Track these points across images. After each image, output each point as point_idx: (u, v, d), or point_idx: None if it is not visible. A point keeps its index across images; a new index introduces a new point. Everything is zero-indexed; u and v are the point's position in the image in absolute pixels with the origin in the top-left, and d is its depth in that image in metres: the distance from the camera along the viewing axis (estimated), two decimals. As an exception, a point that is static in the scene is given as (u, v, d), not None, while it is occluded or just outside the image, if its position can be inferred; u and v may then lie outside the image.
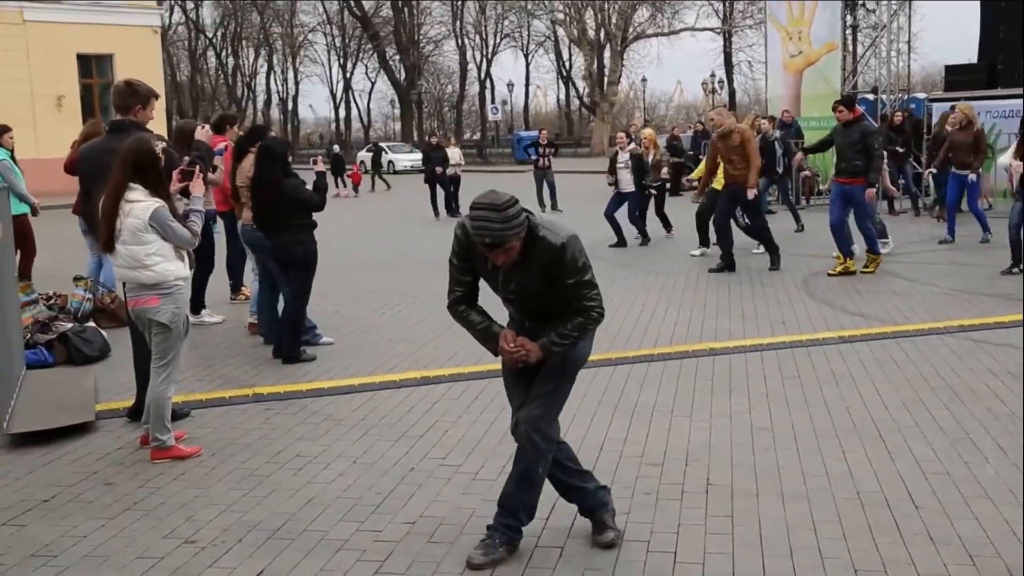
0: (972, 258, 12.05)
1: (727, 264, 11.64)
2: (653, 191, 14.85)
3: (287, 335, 7.65)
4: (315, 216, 7.69)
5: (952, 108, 14.71)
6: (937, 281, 10.41)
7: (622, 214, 14.59)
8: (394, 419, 6.12)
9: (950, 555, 3.98)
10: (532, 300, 4.02)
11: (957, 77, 21.75)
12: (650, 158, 14.64)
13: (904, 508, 4.46)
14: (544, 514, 4.41)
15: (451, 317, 4.22)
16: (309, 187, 7.66)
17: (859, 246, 11.35)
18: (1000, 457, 5.09)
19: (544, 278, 3.88)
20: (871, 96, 23.15)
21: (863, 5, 23.95)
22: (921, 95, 26.17)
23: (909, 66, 23.42)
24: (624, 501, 4.65)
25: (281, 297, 8.02)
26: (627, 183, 14.45)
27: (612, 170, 14.70)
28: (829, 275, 11.00)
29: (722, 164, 11.78)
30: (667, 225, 15.56)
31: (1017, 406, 5.96)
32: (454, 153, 21.38)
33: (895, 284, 10.45)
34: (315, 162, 7.94)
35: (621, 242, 14.43)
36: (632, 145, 14.72)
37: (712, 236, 12.50)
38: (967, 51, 23.07)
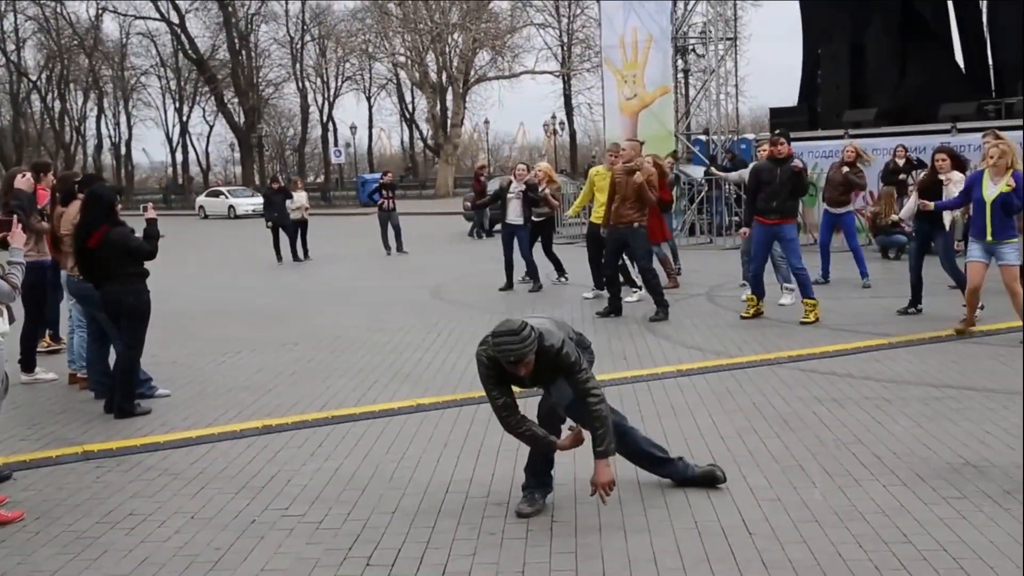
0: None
1: (614, 308, 11.19)
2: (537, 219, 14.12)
3: (119, 388, 7.35)
4: (150, 263, 7.45)
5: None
6: (769, 313, 10.82)
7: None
8: (234, 470, 5.95)
9: (782, 579, 4.13)
10: (552, 387, 5.10)
11: (781, 119, 22.90)
12: (541, 191, 13.96)
13: (739, 535, 4.61)
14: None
15: (502, 422, 5.02)
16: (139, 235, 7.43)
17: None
18: (827, 481, 5.32)
19: (553, 372, 4.89)
20: (703, 137, 24.15)
21: (693, 50, 25.10)
22: (750, 136, 27.44)
23: (737, 108, 24.60)
24: (469, 543, 4.65)
25: (112, 349, 7.71)
26: (516, 214, 13.76)
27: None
28: (743, 317, 10.61)
29: (616, 200, 11.01)
30: (559, 268, 14.57)
31: (841, 431, 6.26)
32: (300, 197, 21.13)
33: (730, 317, 10.84)
34: (145, 209, 7.70)
35: (509, 285, 13.90)
36: (530, 175, 14.00)
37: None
38: (793, 94, 24.36)
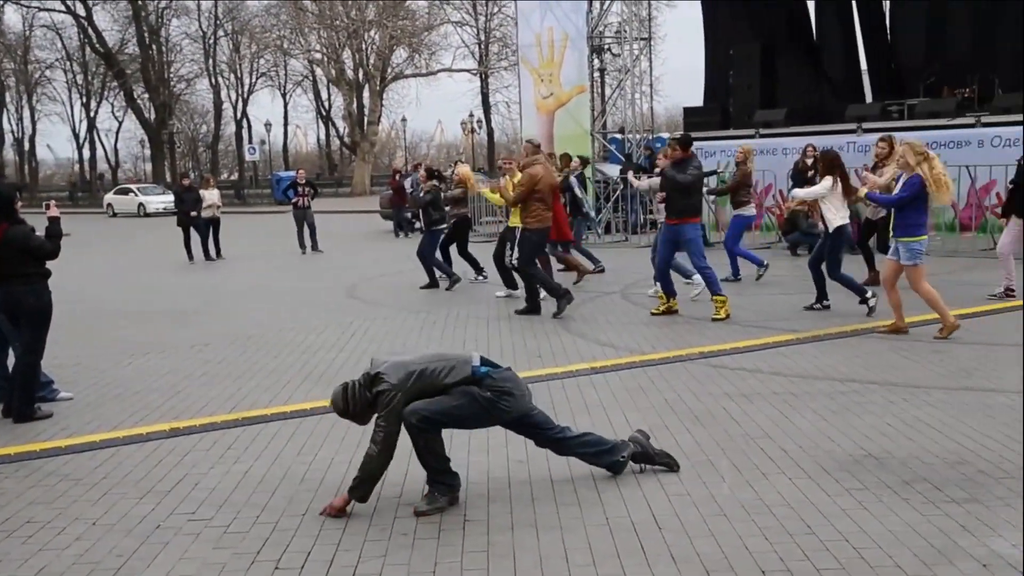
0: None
1: (532, 307, 11.19)
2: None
3: (18, 392, 7.13)
4: (53, 262, 7.24)
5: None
6: (682, 310, 10.95)
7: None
8: (139, 475, 5.82)
9: (690, 572, 4.18)
10: None
11: (695, 118, 23.25)
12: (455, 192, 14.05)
13: (648, 530, 4.65)
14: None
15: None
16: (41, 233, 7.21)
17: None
18: (735, 475, 5.40)
19: None
20: (619, 136, 24.36)
21: (608, 50, 25.23)
22: (665, 135, 27.78)
23: (652, 107, 24.84)
24: (380, 544, 4.62)
25: (11, 351, 7.47)
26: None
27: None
28: (653, 314, 10.78)
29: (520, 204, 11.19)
30: (476, 267, 14.51)
31: (750, 426, 6.37)
32: (212, 195, 20.74)
33: (643, 315, 10.95)
34: (47, 207, 7.48)
35: (433, 283, 13.85)
36: (432, 182, 13.97)
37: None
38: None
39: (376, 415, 5.01)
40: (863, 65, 24.49)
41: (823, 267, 10.42)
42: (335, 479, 5.54)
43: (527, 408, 5.24)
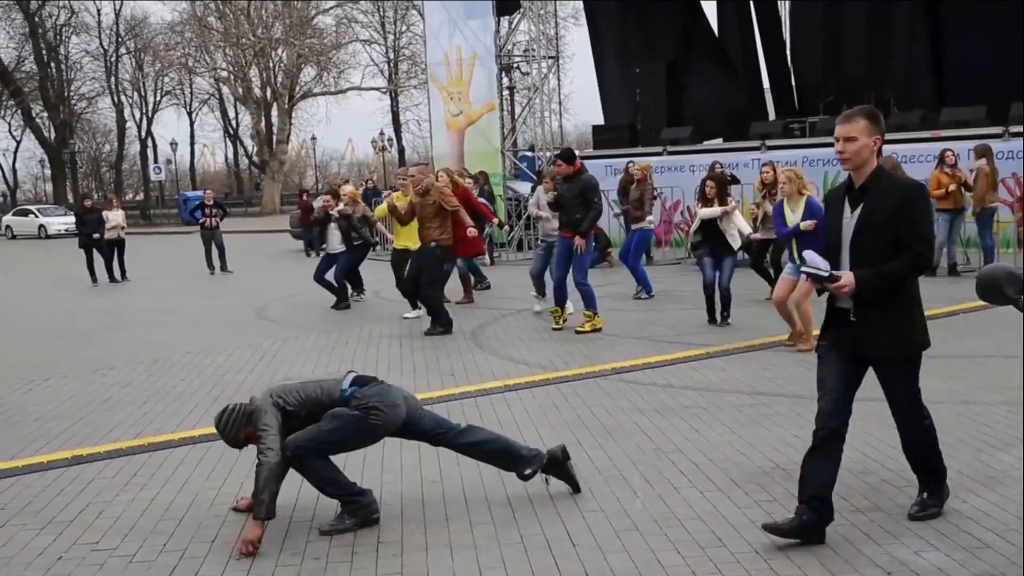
0: (626, 304, 12.89)
1: (445, 326, 11.14)
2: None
3: (-89, 422, 6.85)
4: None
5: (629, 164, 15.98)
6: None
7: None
8: (40, 504, 5.63)
9: (604, 588, 4.20)
10: None
11: (603, 136, 23.56)
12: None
13: (562, 547, 4.67)
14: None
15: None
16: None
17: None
18: (647, 489, 5.46)
19: None
20: (529, 153, 24.54)
21: (517, 68, 25.47)
22: (575, 152, 28.03)
23: (561, 125, 25.10)
24: (292, 569, 4.55)
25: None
26: (336, 243, 14.00)
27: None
28: (554, 329, 10.92)
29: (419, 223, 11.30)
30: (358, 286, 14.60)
31: (661, 440, 6.44)
32: (116, 215, 20.25)
33: (555, 333, 11.00)
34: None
35: (342, 300, 13.78)
36: (341, 206, 13.94)
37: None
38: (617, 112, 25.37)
39: (258, 438, 4.95)
40: (765, 83, 25.13)
41: (724, 281, 10.77)
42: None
43: (406, 417, 5.18)
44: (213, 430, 6.98)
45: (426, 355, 9.96)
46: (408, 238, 12.24)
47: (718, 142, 22.00)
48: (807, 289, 9.11)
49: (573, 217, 10.53)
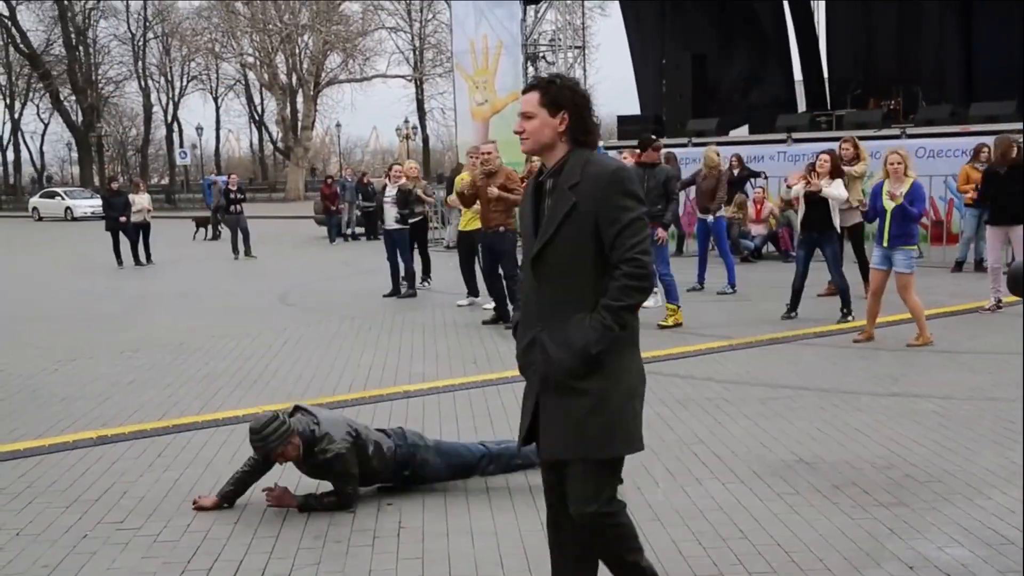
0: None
1: (501, 314, 10.75)
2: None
3: (-60, 399, 6.93)
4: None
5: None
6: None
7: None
8: (65, 484, 5.68)
9: (625, 577, 4.19)
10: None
11: (629, 127, 23.44)
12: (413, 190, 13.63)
13: (584, 536, 4.66)
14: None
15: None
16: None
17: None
18: (669, 481, 5.45)
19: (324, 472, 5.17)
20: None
21: (543, 57, 25.36)
22: (601, 144, 27.97)
23: (586, 115, 24.98)
24: (314, 552, 4.57)
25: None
26: (391, 219, 13.40)
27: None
28: (660, 326, 10.31)
29: (481, 205, 10.82)
30: (426, 270, 14.45)
31: (684, 432, 6.43)
32: (142, 199, 20.37)
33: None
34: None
35: (396, 291, 13.42)
36: (403, 180, 13.44)
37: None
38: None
39: (333, 477, 5.09)
40: (797, 75, 24.95)
41: (832, 269, 10.35)
42: (266, 483, 5.47)
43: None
44: (236, 413, 7.10)
45: (449, 342, 9.97)
46: (472, 222, 11.54)
47: (743, 133, 21.88)
48: (904, 280, 8.91)
49: (654, 208, 9.85)
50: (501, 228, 10.63)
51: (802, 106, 24.28)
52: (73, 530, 4.93)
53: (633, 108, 25.76)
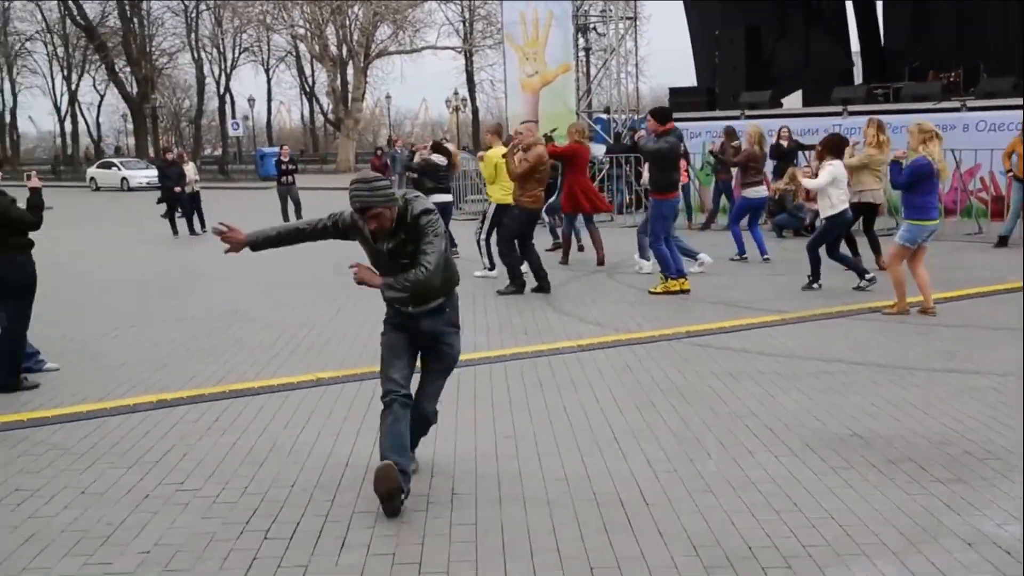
0: (711, 269, 12.73)
1: (517, 287, 11.09)
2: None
3: (3, 362, 7.09)
4: (39, 235, 7.20)
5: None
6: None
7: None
8: (127, 445, 5.81)
9: (677, 548, 4.21)
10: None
11: (681, 99, 23.23)
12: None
13: (636, 506, 4.68)
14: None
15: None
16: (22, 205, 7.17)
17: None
18: (721, 453, 5.44)
19: (411, 237, 4.84)
20: (604, 116, 24.34)
21: (594, 29, 25.25)
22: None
23: (638, 87, 24.80)
24: (370, 515, 4.63)
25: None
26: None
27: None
28: (651, 292, 10.72)
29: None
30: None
31: (736, 404, 6.40)
32: (188, 169, 20.62)
33: (629, 294, 10.97)
34: (28, 177, 7.42)
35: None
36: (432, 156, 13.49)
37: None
38: (691, 74, 25.02)
39: (424, 239, 4.79)
40: (855, 47, 24.51)
41: (821, 249, 10.57)
42: (323, 452, 5.56)
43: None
44: (291, 380, 7.19)
45: (499, 314, 10.00)
46: (504, 194, 11.94)
47: (796, 102, 21.57)
48: (904, 252, 9.02)
49: (651, 180, 10.68)
50: (529, 205, 11.20)
51: (859, 79, 23.87)
52: (135, 490, 5.05)
53: (684, 80, 25.54)
